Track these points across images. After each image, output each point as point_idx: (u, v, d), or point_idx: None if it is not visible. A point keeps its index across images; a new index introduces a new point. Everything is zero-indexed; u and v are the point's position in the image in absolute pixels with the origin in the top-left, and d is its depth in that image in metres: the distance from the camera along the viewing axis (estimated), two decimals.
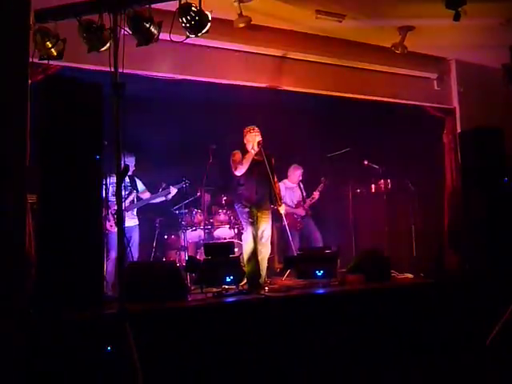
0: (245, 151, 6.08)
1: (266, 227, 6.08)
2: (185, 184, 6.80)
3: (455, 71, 7.69)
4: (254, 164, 6.03)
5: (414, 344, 5.00)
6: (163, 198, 6.72)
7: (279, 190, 6.35)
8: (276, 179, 6.25)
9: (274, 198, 6.10)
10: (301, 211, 7.62)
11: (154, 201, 6.74)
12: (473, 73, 7.65)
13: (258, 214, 6.03)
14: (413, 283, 6.00)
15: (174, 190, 6.66)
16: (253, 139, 6.04)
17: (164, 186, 6.69)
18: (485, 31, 6.41)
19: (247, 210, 6.01)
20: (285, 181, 7.76)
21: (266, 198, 6.08)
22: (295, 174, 7.76)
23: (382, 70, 7.16)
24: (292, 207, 7.65)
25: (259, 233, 6.03)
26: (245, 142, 6.14)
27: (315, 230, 7.59)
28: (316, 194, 7.71)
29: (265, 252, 6.06)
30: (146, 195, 6.72)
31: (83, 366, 3.64)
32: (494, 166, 6.31)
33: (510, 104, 5.74)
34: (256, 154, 6.05)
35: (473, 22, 5.78)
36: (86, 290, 4.14)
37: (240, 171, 6.00)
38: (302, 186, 7.87)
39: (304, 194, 7.80)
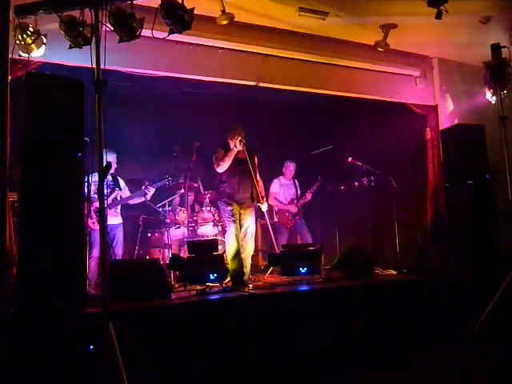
0: (228, 149, 6.08)
1: (249, 224, 6.09)
2: (168, 182, 6.77)
3: (437, 69, 7.74)
4: (237, 162, 6.05)
5: (398, 340, 5.04)
6: (142, 199, 6.66)
7: (261, 188, 6.35)
8: (259, 177, 6.28)
9: (256, 196, 6.12)
10: (293, 208, 7.65)
11: (132, 201, 6.68)
12: (454, 70, 7.71)
13: (241, 212, 6.05)
14: (396, 280, 6.05)
15: (152, 190, 6.60)
16: (236, 138, 6.04)
17: (146, 183, 6.64)
18: (466, 29, 6.46)
19: (230, 207, 6.03)
20: (280, 177, 7.87)
21: (248, 196, 6.09)
22: (288, 169, 7.81)
23: (365, 68, 7.18)
24: (284, 204, 7.69)
25: (243, 230, 6.04)
26: (228, 140, 6.14)
27: (305, 230, 7.64)
28: (308, 195, 7.77)
29: (248, 249, 6.07)
30: (126, 194, 6.67)
31: (65, 366, 3.61)
32: (476, 163, 6.38)
33: (491, 101, 5.79)
34: (238, 152, 6.06)
35: (454, 20, 5.81)
36: (68, 288, 4.09)
37: (221, 168, 6.02)
38: (297, 183, 7.92)
39: (299, 192, 7.84)
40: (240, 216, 6.05)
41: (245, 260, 5.98)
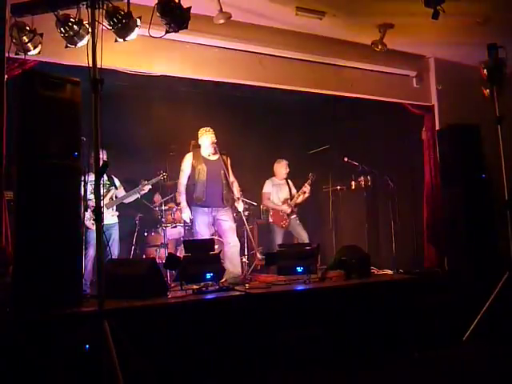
0: (198, 152, 6.24)
1: (227, 221, 6.20)
2: (163, 177, 6.77)
3: (434, 69, 7.76)
4: (207, 164, 6.12)
5: (394, 340, 5.05)
6: (137, 195, 6.66)
7: (237, 188, 6.39)
8: (233, 178, 6.36)
9: (228, 198, 6.16)
10: (286, 208, 7.59)
11: (128, 200, 6.67)
12: (451, 71, 7.73)
13: (214, 213, 6.16)
14: (392, 279, 6.05)
15: (147, 187, 6.60)
16: (207, 141, 6.17)
17: (144, 182, 6.64)
18: (463, 30, 6.48)
19: (201, 209, 6.13)
20: (272, 178, 7.80)
21: (219, 198, 6.15)
22: (280, 168, 7.75)
23: (362, 68, 7.19)
24: (278, 204, 7.65)
25: (223, 228, 6.18)
26: (199, 142, 6.22)
27: (301, 228, 7.60)
28: (307, 189, 7.65)
29: (232, 244, 6.15)
30: (122, 193, 6.65)
31: (61, 365, 3.60)
32: (472, 162, 6.39)
33: (487, 102, 5.80)
34: (209, 155, 6.17)
35: (451, 20, 5.83)
36: (64, 287, 4.09)
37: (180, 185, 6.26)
38: (290, 182, 7.85)
39: (293, 192, 7.77)
40: (215, 217, 6.18)
41: (233, 254, 6.07)
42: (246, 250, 7.36)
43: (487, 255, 6.10)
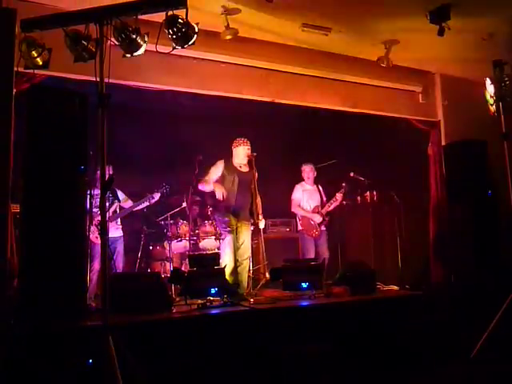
0: (230, 162, 6.11)
1: (244, 238, 6.13)
2: (165, 189, 6.77)
3: (440, 85, 7.77)
4: (238, 175, 6.07)
5: (400, 356, 5.00)
6: (147, 203, 6.67)
7: (260, 205, 6.31)
8: (258, 194, 6.25)
9: (255, 212, 6.12)
10: (317, 217, 7.22)
11: (137, 208, 6.67)
12: (457, 86, 7.74)
13: (238, 225, 6.07)
14: (398, 295, 6.01)
15: (157, 195, 6.62)
16: (242, 152, 6.09)
17: (148, 196, 6.65)
18: (468, 46, 6.51)
19: (226, 218, 6.05)
20: (302, 183, 7.49)
21: (245, 210, 6.09)
22: (306, 171, 7.44)
23: (368, 83, 7.22)
24: (308, 211, 7.32)
25: (238, 244, 6.07)
26: (233, 153, 6.17)
27: (326, 248, 7.25)
28: (339, 196, 7.26)
29: (245, 262, 6.08)
30: (129, 204, 6.65)
31: (64, 379, 3.59)
32: (478, 179, 6.37)
33: (493, 117, 5.80)
34: (241, 166, 6.10)
35: (456, 36, 5.86)
36: (68, 301, 4.09)
37: (202, 187, 6.13)
38: (321, 188, 7.53)
39: (324, 199, 7.44)
40: (237, 229, 6.07)
41: (241, 273, 5.99)
42: (251, 265, 7.32)
43: (493, 270, 6.06)
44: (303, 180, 7.51)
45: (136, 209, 6.68)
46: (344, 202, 7.58)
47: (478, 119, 6.87)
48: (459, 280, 6.52)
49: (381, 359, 4.89)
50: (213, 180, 6.11)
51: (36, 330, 3.80)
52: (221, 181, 6.11)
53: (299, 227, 7.35)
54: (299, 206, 7.37)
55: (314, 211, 7.31)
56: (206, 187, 6.16)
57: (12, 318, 3.92)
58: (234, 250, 5.93)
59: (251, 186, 6.04)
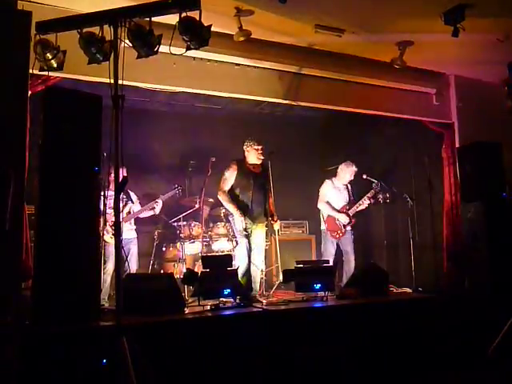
0: (243, 163, 6.11)
1: (259, 240, 6.09)
2: (177, 191, 6.77)
3: (454, 86, 7.72)
4: (252, 177, 6.06)
5: (413, 359, 4.98)
6: (152, 213, 6.65)
7: (273, 206, 6.30)
8: (272, 195, 6.25)
9: (270, 213, 6.10)
10: (344, 218, 6.91)
11: (142, 215, 6.67)
12: (471, 88, 7.68)
13: (253, 227, 6.04)
14: (411, 298, 5.99)
15: (160, 203, 6.55)
16: (254, 153, 6.09)
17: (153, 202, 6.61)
18: (483, 47, 6.44)
19: (241, 227, 5.99)
20: (333, 179, 7.16)
21: (261, 211, 6.08)
22: (347, 171, 7.06)
23: (381, 85, 7.19)
24: (336, 210, 6.98)
25: (253, 246, 6.03)
26: (246, 153, 6.17)
27: (351, 248, 6.90)
28: (363, 203, 6.97)
29: (258, 265, 6.06)
30: (137, 208, 6.67)
31: (79, 379, 3.61)
32: (493, 180, 6.31)
33: (508, 119, 5.75)
34: (254, 167, 6.10)
35: (471, 37, 5.81)
36: (82, 301, 4.11)
37: (221, 198, 6.10)
38: (349, 187, 7.21)
39: (351, 198, 7.14)
40: (251, 232, 6.04)
41: (254, 276, 5.97)
42: (264, 266, 7.32)
43: (507, 273, 6.00)
44: (334, 176, 7.20)
45: (142, 216, 6.64)
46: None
47: (493, 121, 6.84)
48: (473, 282, 6.46)
49: (393, 361, 4.87)
50: (228, 188, 6.08)
51: (50, 331, 3.82)
52: (235, 184, 6.10)
53: (322, 226, 7.04)
54: (327, 202, 7.03)
55: (341, 211, 6.98)
56: (223, 200, 6.12)
57: (27, 319, 3.95)
58: (248, 252, 5.91)
59: (266, 186, 6.04)
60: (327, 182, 7.15)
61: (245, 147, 6.19)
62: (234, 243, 7.03)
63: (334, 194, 7.09)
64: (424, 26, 5.93)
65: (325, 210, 7.03)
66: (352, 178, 7.10)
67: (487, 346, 4.97)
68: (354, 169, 7.06)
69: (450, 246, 7.30)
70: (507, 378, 4.49)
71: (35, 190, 4.20)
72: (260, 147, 6.11)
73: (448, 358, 4.99)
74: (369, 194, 7.01)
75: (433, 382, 4.51)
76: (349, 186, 7.21)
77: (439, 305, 5.63)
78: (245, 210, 6.02)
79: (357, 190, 7.31)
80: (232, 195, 6.08)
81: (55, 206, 4.18)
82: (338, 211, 6.97)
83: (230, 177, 6.09)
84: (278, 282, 6.20)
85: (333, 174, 7.29)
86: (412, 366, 4.83)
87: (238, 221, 5.94)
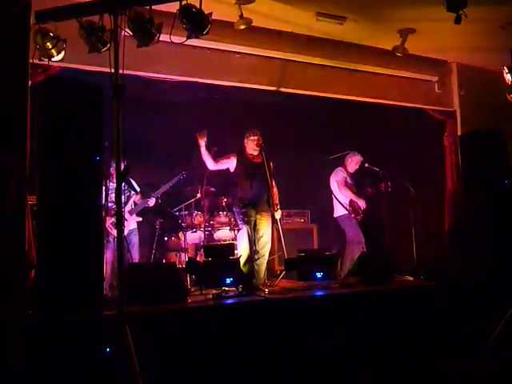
0: (243, 155, 6.11)
1: (265, 231, 6.08)
2: (182, 176, 6.74)
3: (456, 74, 7.68)
4: (252, 166, 6.06)
5: (415, 347, 5.00)
6: (144, 205, 6.62)
7: (276, 196, 6.30)
8: (274, 183, 6.23)
9: (271, 202, 6.09)
10: (363, 203, 7.06)
11: (149, 203, 6.66)
12: (474, 75, 7.65)
13: (257, 217, 6.03)
14: (413, 286, 6.00)
15: (152, 201, 6.55)
16: (252, 143, 6.09)
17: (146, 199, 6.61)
18: (485, 34, 6.41)
19: (243, 210, 6.01)
20: (342, 168, 7.27)
21: (263, 201, 6.06)
22: (354, 160, 7.25)
23: (383, 73, 7.17)
24: (356, 195, 7.10)
25: (258, 236, 6.03)
26: (245, 145, 6.17)
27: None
28: (368, 191, 7.25)
29: (263, 255, 6.05)
30: (137, 198, 6.65)
31: (82, 367, 3.63)
32: (495, 168, 6.30)
33: (511, 106, 5.73)
34: (254, 157, 6.10)
35: (473, 25, 5.77)
36: (85, 291, 4.12)
37: (210, 165, 6.10)
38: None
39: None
40: (256, 221, 6.04)
41: (259, 266, 5.97)
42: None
43: (509, 261, 6.00)
44: (341, 166, 7.30)
45: (149, 204, 6.63)
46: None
47: (495, 108, 6.81)
48: (475, 270, 6.47)
49: (395, 349, 4.89)
50: (223, 167, 6.16)
51: (53, 320, 3.84)
52: (235, 174, 6.12)
53: (341, 212, 7.09)
54: (346, 187, 7.09)
55: (359, 195, 7.14)
56: (221, 164, 6.16)
57: (30, 309, 3.96)
58: (250, 241, 5.90)
59: (266, 176, 6.03)
60: (341, 170, 7.24)
61: (244, 138, 6.20)
62: (236, 232, 7.03)
63: (348, 180, 7.19)
64: (426, 14, 5.90)
65: (347, 194, 7.07)
66: (357, 166, 7.22)
67: (488, 334, 4.98)
68: (360, 158, 7.22)
69: (452, 234, 7.30)
70: (504, 367, 4.51)
71: (37, 181, 4.20)
72: (256, 138, 6.10)
73: (448, 345, 5.01)
74: (368, 188, 7.25)
75: (433, 370, 4.52)
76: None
77: (441, 293, 5.63)
78: (245, 200, 6.02)
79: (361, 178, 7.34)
80: (232, 186, 6.15)
81: (57, 197, 4.17)
82: (358, 196, 7.09)
83: (227, 162, 6.16)
84: (283, 273, 6.18)
85: (337, 163, 7.33)
86: (412, 354, 4.85)
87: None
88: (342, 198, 7.10)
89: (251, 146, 6.12)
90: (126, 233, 6.16)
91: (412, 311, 5.30)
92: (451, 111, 7.64)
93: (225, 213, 7.23)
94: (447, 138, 7.56)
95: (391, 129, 8.02)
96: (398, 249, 7.94)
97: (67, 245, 4.11)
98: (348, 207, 7.03)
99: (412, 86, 7.43)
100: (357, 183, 7.29)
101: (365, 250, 6.73)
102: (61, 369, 3.63)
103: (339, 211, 7.14)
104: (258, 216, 6.05)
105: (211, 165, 6.09)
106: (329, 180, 7.31)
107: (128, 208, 6.40)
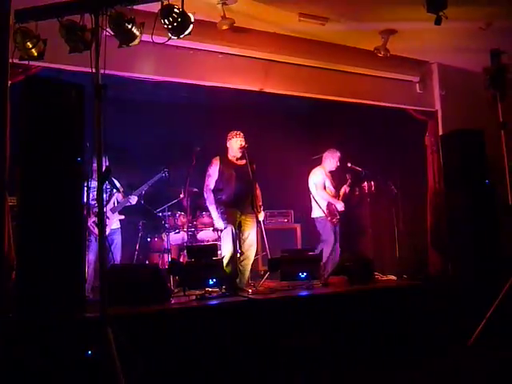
0: (226, 157, 6.09)
1: (250, 232, 6.06)
2: (164, 173, 6.69)
3: (437, 74, 7.76)
4: (235, 168, 6.04)
5: (398, 345, 5.03)
6: (127, 203, 6.56)
7: (259, 197, 6.28)
8: (257, 185, 6.21)
9: (254, 204, 6.06)
10: (340, 205, 7.05)
11: (131, 201, 6.60)
12: (454, 76, 7.73)
13: (242, 218, 6.02)
14: (396, 285, 6.04)
15: (134, 198, 6.49)
16: (235, 145, 6.06)
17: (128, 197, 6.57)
18: (466, 35, 6.49)
19: (229, 211, 5.98)
20: (320, 168, 7.22)
21: (247, 202, 6.04)
22: (332, 158, 7.17)
23: (365, 73, 7.20)
24: (333, 197, 7.10)
25: (243, 237, 6.03)
26: (228, 146, 6.15)
27: (337, 240, 6.99)
28: (346, 189, 7.20)
29: (249, 256, 6.05)
30: (119, 196, 6.60)
31: (64, 370, 3.60)
32: (476, 168, 6.37)
33: (490, 106, 5.80)
34: (237, 159, 6.08)
35: (454, 25, 5.82)
36: (67, 293, 4.09)
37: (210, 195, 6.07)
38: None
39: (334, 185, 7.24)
40: (241, 222, 6.03)
41: (244, 267, 5.97)
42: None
43: (491, 260, 6.08)
44: (319, 165, 7.27)
45: (130, 202, 6.59)
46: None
47: (475, 109, 6.88)
48: (457, 269, 6.53)
49: (379, 348, 4.92)
50: (214, 181, 6.08)
51: (35, 323, 3.80)
52: (219, 177, 6.08)
53: (318, 213, 7.06)
54: (325, 189, 7.08)
55: (337, 198, 7.13)
56: (207, 198, 6.11)
57: (11, 311, 3.91)
58: (234, 241, 5.89)
59: (249, 178, 6.00)
60: (319, 170, 7.20)
61: (227, 139, 6.18)
62: (219, 233, 7.02)
63: (327, 181, 7.15)
64: (407, 15, 5.95)
65: (324, 197, 7.06)
66: (338, 164, 7.17)
67: (470, 332, 5.04)
68: (338, 154, 7.16)
69: (434, 233, 7.37)
70: (487, 364, 4.56)
71: (17, 182, 4.15)
72: (239, 139, 6.07)
73: (432, 343, 5.05)
74: (345, 186, 7.20)
75: (417, 367, 4.56)
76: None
77: (423, 292, 5.68)
78: (229, 202, 6.00)
79: (343, 178, 7.36)
80: (216, 190, 6.08)
81: (38, 197, 4.12)
82: (335, 198, 7.08)
83: (214, 172, 6.09)
84: (268, 274, 6.17)
85: (318, 163, 7.32)
86: (397, 353, 4.89)
87: (218, 222, 6.01)
88: (319, 200, 7.10)
89: (234, 148, 6.09)
90: (108, 232, 6.12)
91: (395, 310, 5.32)
92: (432, 111, 7.71)
93: (208, 213, 7.21)
94: (428, 138, 7.63)
95: (372, 128, 8.08)
96: (381, 248, 8.01)
97: (48, 246, 4.07)
98: (325, 209, 7.02)
99: (393, 87, 7.48)
100: (337, 181, 7.31)
101: (336, 251, 6.78)
102: (42, 371, 3.59)
103: (316, 213, 7.14)
104: (243, 217, 6.03)
105: (210, 192, 6.08)
106: (307, 180, 7.29)
107: (110, 206, 6.35)
